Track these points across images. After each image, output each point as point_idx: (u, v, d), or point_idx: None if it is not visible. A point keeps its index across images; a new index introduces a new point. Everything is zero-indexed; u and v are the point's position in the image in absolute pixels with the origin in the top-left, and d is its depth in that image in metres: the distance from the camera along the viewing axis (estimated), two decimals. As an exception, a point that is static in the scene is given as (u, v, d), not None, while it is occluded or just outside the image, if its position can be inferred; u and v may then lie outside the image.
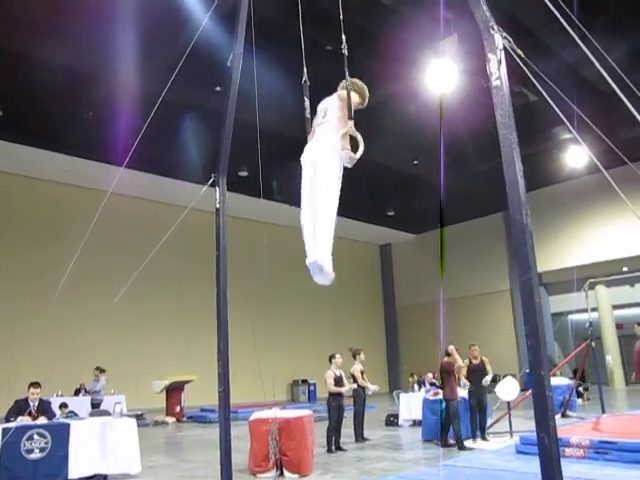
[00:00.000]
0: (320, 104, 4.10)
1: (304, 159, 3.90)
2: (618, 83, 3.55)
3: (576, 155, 18.23)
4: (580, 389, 14.76)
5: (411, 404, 11.73)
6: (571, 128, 3.63)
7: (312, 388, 23.75)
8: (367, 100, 4.13)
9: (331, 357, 9.48)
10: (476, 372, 9.13)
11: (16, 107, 14.44)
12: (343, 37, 3.94)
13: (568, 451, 6.64)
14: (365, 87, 4.11)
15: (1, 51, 12.44)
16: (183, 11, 11.38)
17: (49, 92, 13.30)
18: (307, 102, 4.23)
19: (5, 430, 6.09)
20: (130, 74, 13.17)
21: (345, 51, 3.96)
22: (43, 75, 12.75)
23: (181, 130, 15.91)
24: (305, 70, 4.41)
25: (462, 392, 9.62)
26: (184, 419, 15.31)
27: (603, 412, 10.87)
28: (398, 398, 12.81)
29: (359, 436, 9.76)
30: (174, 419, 15.03)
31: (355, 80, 4.06)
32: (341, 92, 3.97)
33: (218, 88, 13.80)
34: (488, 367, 9.27)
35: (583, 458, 6.57)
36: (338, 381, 9.10)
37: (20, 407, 7.07)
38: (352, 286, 27.68)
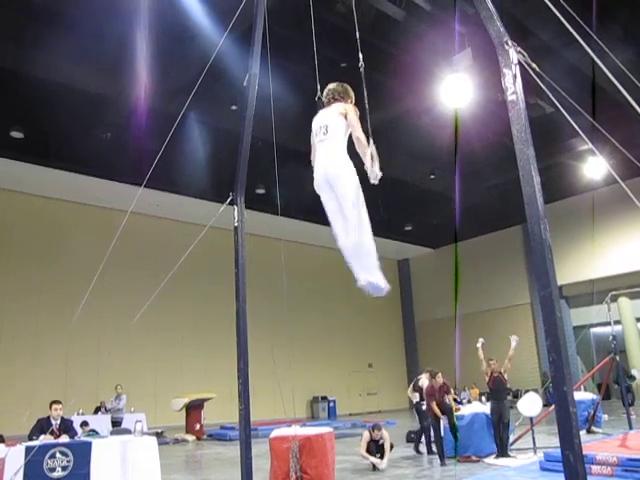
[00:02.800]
0: (316, 120, 3.96)
1: (317, 182, 3.76)
2: (634, 94, 3.53)
3: (594, 166, 18.06)
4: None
5: (432, 420, 11.57)
6: (587, 140, 3.61)
7: (332, 405, 23.57)
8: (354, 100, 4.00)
9: (374, 427, 9.25)
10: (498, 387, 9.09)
11: (36, 129, 14.74)
12: (360, 55, 3.96)
13: (595, 469, 6.49)
14: (350, 89, 4.02)
15: (20, 75, 12.74)
16: (199, 32, 11.57)
17: (68, 114, 13.55)
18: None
19: (28, 448, 6.13)
20: (147, 95, 13.38)
21: (362, 69, 3.95)
22: (62, 98, 13.00)
23: (198, 148, 16.09)
24: (319, 87, 4.43)
25: (482, 407, 9.57)
26: (204, 437, 15.29)
27: (630, 428, 10.63)
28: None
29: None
30: (194, 437, 15.01)
31: (336, 87, 3.99)
32: (340, 107, 3.84)
33: (234, 107, 13.97)
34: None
35: (611, 476, 6.41)
36: (371, 446, 8.68)
37: (42, 425, 7.12)
38: (370, 302, 27.45)
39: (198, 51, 11.67)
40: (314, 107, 4.32)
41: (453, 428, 8.86)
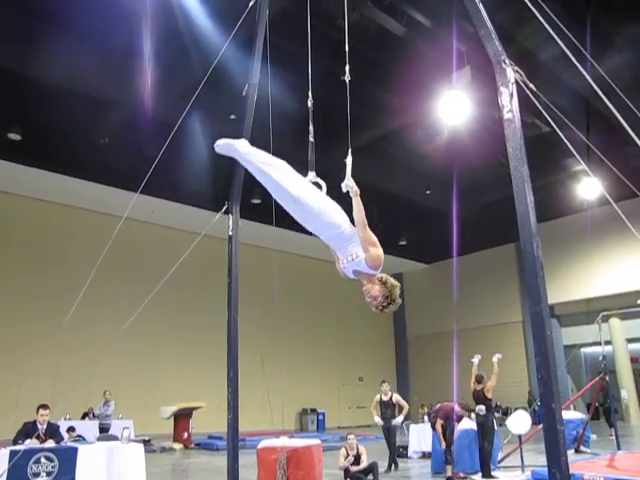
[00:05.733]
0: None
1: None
2: (627, 115, 3.57)
3: (589, 187, 18.17)
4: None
5: (421, 435, 11.57)
6: (581, 160, 3.65)
7: (321, 417, 23.48)
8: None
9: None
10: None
11: (33, 132, 14.72)
12: (347, 68, 3.98)
13: (581, 488, 6.47)
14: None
15: (20, 76, 12.74)
16: (201, 40, 11.61)
17: (66, 118, 13.55)
18: (312, 127, 4.28)
19: (13, 452, 6.07)
20: (146, 101, 13.39)
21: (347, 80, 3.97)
22: (61, 101, 13.00)
23: (195, 157, 16.09)
24: (310, 94, 4.44)
25: (469, 423, 9.54)
26: (191, 446, 15.18)
27: (619, 448, 10.62)
28: (408, 429, 12.61)
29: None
30: (181, 445, 14.91)
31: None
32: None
33: (233, 116, 13.99)
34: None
35: (597, 496, 6.39)
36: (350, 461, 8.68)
37: (28, 430, 7.05)
38: (362, 315, 27.48)
39: (199, 59, 11.71)
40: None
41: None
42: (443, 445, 8.65)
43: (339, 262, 3.59)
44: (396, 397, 10.07)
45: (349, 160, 3.60)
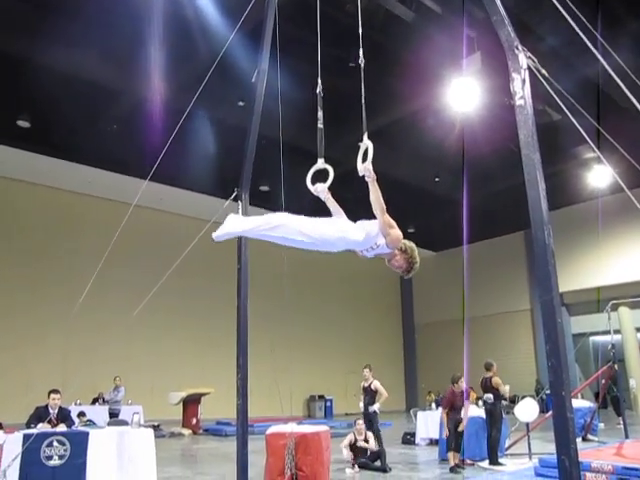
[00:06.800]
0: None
1: None
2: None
3: (600, 174, 18.02)
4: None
5: (428, 422, 11.61)
6: (594, 147, 3.61)
7: (329, 404, 23.59)
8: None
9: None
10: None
11: (42, 119, 14.74)
12: (361, 52, 3.96)
13: (589, 476, 6.46)
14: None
15: (28, 64, 12.74)
16: (208, 27, 11.57)
17: (75, 105, 13.55)
18: (320, 113, 4.26)
19: (26, 436, 6.15)
20: (154, 88, 13.37)
21: (362, 63, 3.95)
22: (69, 88, 13.01)
23: (204, 143, 16.08)
24: (320, 81, 4.41)
25: (477, 411, 9.56)
26: (200, 431, 15.32)
27: (627, 437, 10.62)
28: (415, 416, 12.67)
29: None
30: (190, 431, 15.04)
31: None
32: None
33: (241, 103, 13.96)
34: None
35: (605, 484, 6.39)
36: (353, 447, 8.77)
37: (40, 414, 7.13)
38: (370, 303, 27.59)
39: (207, 46, 11.66)
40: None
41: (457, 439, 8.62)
42: (445, 434, 8.64)
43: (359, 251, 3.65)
44: (375, 384, 9.67)
45: (370, 145, 3.52)
